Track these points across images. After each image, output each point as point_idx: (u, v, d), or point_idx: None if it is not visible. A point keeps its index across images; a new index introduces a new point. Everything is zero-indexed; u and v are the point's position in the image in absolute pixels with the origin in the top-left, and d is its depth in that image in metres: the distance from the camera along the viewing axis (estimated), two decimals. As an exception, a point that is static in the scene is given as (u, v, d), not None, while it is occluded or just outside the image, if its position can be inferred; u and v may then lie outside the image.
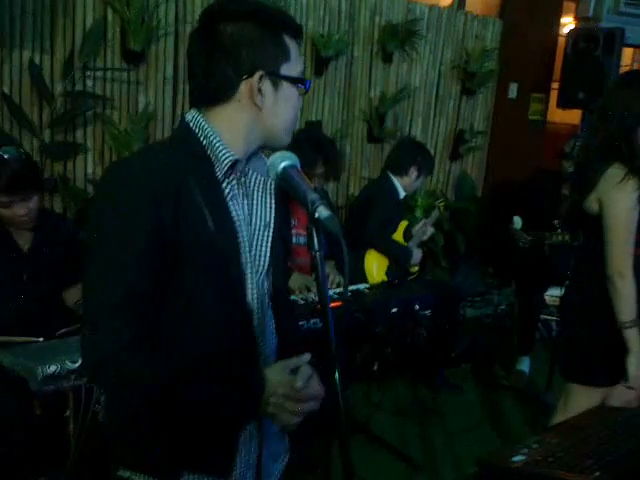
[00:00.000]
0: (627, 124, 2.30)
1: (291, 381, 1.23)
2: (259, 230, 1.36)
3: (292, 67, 1.31)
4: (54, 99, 3.87)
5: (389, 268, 3.71)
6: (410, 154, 3.74)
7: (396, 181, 3.72)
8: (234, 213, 1.30)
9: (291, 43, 1.31)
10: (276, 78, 1.29)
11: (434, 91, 5.63)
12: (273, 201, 1.38)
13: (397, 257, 3.78)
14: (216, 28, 1.27)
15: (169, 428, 1.28)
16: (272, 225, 1.37)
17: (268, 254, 1.36)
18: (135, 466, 1.34)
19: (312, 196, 1.17)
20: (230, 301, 1.29)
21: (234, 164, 1.29)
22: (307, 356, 1.27)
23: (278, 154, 1.26)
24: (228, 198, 1.29)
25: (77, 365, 2.10)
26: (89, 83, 4.04)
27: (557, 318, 4.27)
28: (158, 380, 1.21)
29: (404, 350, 3.86)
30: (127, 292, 1.18)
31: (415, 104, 5.54)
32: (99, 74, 4.06)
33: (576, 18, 5.99)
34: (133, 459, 1.35)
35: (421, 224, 3.93)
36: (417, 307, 3.23)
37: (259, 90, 1.27)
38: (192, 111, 1.33)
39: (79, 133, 4.07)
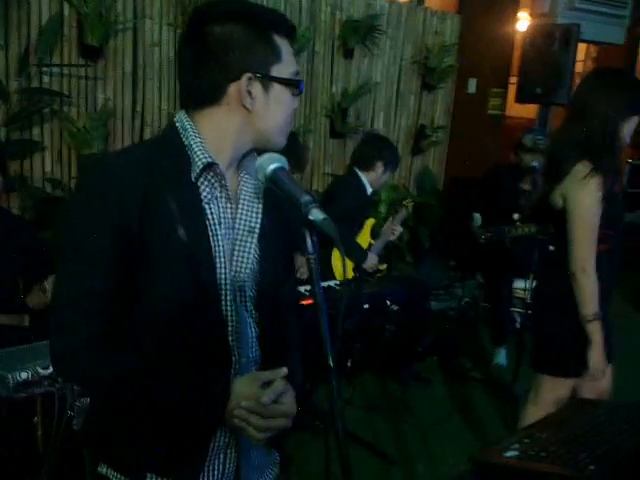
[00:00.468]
0: (611, 124, 2.33)
1: (258, 395, 1.19)
2: (242, 235, 1.31)
3: (284, 68, 1.27)
4: (9, 96, 3.76)
5: (356, 265, 3.70)
6: (376, 149, 3.74)
7: (363, 177, 3.72)
8: (210, 216, 1.26)
9: (282, 43, 1.27)
10: (266, 80, 1.25)
11: (395, 86, 5.67)
12: (261, 206, 1.34)
13: (351, 257, 3.73)
14: (204, 30, 1.24)
15: (134, 427, 1.27)
16: (258, 230, 1.33)
17: (251, 260, 1.32)
18: (109, 462, 1.33)
19: (305, 198, 1.15)
20: (200, 305, 1.25)
21: (209, 166, 1.25)
22: (283, 370, 1.23)
23: (266, 156, 1.24)
24: (205, 201, 1.26)
25: (49, 371, 2.04)
26: (46, 80, 3.93)
27: (521, 310, 4.34)
28: (118, 379, 1.22)
29: (373, 346, 3.86)
30: (87, 291, 1.20)
31: (377, 99, 5.56)
32: (56, 70, 3.96)
33: (532, 14, 6.09)
34: (106, 454, 1.34)
35: (389, 223, 3.93)
36: (388, 302, 3.23)
37: (248, 93, 1.24)
38: (181, 112, 1.30)
39: (36, 131, 3.97)
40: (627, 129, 2.37)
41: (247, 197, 1.33)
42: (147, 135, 4.45)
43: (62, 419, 2.08)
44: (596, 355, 2.38)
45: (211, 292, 1.26)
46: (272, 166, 1.22)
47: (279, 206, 1.35)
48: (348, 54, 5.27)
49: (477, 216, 4.39)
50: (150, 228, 1.19)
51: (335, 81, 5.26)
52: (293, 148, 3.38)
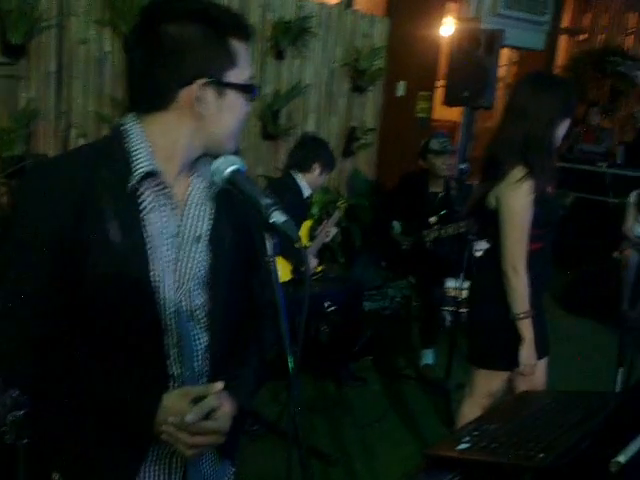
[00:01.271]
0: (546, 126, 2.40)
1: (185, 411, 1.17)
2: (186, 243, 1.27)
3: (239, 73, 1.22)
4: None
5: (294, 268, 3.69)
6: (312, 150, 3.75)
7: (299, 179, 3.72)
8: (149, 227, 1.21)
9: (239, 46, 1.22)
10: (220, 86, 1.21)
11: (326, 88, 5.70)
12: (213, 211, 1.30)
13: (290, 259, 3.72)
14: (156, 29, 1.17)
15: (68, 433, 1.26)
16: (204, 239, 1.29)
17: (198, 267, 1.28)
18: (60, 470, 1.32)
19: (266, 201, 1.14)
20: (136, 320, 1.22)
21: (149, 175, 1.21)
22: (217, 385, 1.22)
23: (222, 159, 1.22)
24: (145, 211, 1.21)
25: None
26: (-36, 77, 3.76)
27: (453, 308, 4.45)
28: (51, 384, 1.22)
29: (309, 347, 3.87)
30: (24, 298, 1.18)
31: (308, 101, 5.59)
32: (-25, 68, 3.79)
33: (458, 19, 6.27)
34: (55, 462, 1.33)
35: (323, 225, 3.95)
36: (326, 304, 3.24)
37: (201, 99, 1.20)
38: (129, 115, 1.25)
39: (-45, 131, 3.78)
40: (560, 132, 2.46)
41: (195, 202, 1.29)
42: (73, 136, 4.32)
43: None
44: (526, 351, 2.47)
45: (148, 306, 1.22)
46: (230, 168, 1.20)
47: (233, 208, 1.32)
48: (279, 55, 5.27)
49: (396, 224, 4.51)
50: (84, 240, 1.16)
51: (266, 82, 5.24)
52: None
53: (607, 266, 5.81)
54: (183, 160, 1.26)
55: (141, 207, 1.21)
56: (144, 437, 1.24)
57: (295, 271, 3.58)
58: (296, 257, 3.57)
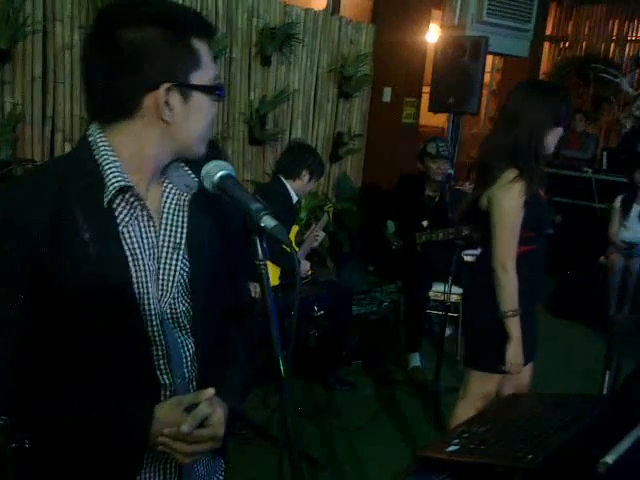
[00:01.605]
0: (536, 133, 2.44)
1: (179, 421, 1.17)
2: (166, 252, 1.26)
3: (204, 74, 1.19)
4: None
5: (282, 272, 3.69)
6: (302, 157, 3.76)
7: (288, 185, 3.72)
8: (129, 240, 1.20)
9: (201, 46, 1.19)
10: (185, 89, 1.17)
11: (312, 94, 5.72)
12: (185, 219, 1.27)
13: (283, 265, 3.72)
14: (115, 35, 1.13)
15: (63, 452, 1.23)
16: (183, 246, 1.27)
17: (179, 275, 1.27)
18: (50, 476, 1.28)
19: (256, 205, 1.14)
20: (122, 333, 1.20)
21: (123, 190, 1.18)
22: (208, 392, 1.21)
23: (213, 163, 1.20)
24: (122, 224, 1.19)
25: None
26: (-52, 82, 3.73)
27: (440, 312, 4.47)
28: (36, 408, 1.20)
29: (297, 351, 3.86)
30: (2, 322, 1.15)
31: (295, 107, 5.59)
32: (-40, 73, 3.76)
33: (443, 26, 6.30)
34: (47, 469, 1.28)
35: (311, 230, 3.96)
36: (316, 308, 3.25)
37: (166, 104, 1.16)
38: (93, 126, 1.21)
39: (-62, 137, 3.74)
40: (551, 139, 2.50)
41: (171, 211, 1.27)
42: (59, 141, 4.30)
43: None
44: (513, 350, 2.49)
45: (134, 319, 1.21)
46: (220, 174, 1.19)
47: (211, 213, 1.31)
48: (265, 61, 5.27)
49: (390, 223, 4.52)
50: (61, 257, 1.13)
51: (253, 88, 5.25)
52: (212, 156, 3.39)
53: (593, 271, 5.86)
54: (153, 169, 1.23)
55: (118, 220, 1.19)
56: (138, 451, 1.23)
57: (284, 276, 3.58)
58: (285, 262, 3.57)
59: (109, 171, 1.17)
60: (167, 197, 1.27)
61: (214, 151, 3.44)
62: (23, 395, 1.19)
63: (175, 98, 1.17)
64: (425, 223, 4.45)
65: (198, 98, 1.20)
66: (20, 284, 1.14)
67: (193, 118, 1.20)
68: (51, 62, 4.19)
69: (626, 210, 5.80)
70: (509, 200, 2.45)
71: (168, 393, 1.27)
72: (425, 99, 6.09)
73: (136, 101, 1.16)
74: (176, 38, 1.15)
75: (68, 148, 4.27)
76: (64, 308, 1.16)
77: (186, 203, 1.28)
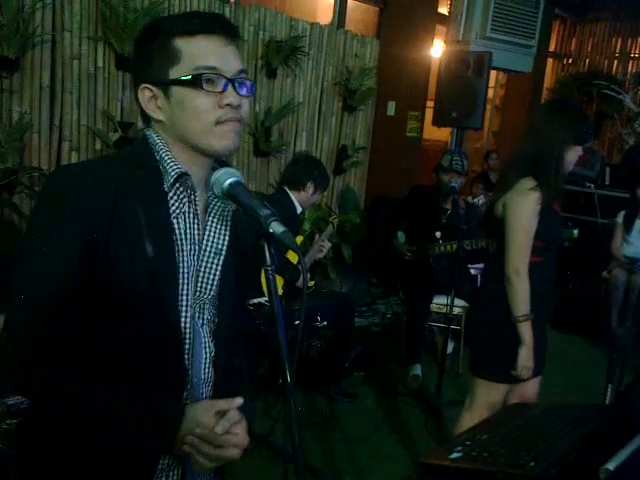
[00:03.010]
0: (556, 150, 2.50)
1: (212, 424, 1.17)
2: (209, 255, 1.31)
3: (183, 67, 1.22)
4: None
5: (285, 283, 3.71)
6: (307, 170, 3.78)
7: (293, 196, 3.75)
8: (177, 231, 1.25)
9: (185, 43, 1.22)
10: (164, 86, 1.23)
11: (317, 107, 5.75)
12: (228, 230, 1.33)
13: (284, 274, 3.73)
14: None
15: (81, 448, 1.23)
16: (224, 253, 1.32)
17: (216, 281, 1.31)
18: None
19: (265, 212, 1.16)
20: (160, 322, 1.23)
21: (180, 177, 1.24)
22: (238, 400, 1.22)
23: (222, 171, 1.23)
24: (174, 215, 1.24)
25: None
26: (-42, 91, 3.76)
27: (442, 325, 4.48)
28: (71, 397, 1.18)
29: (299, 361, 3.86)
30: (49, 296, 1.16)
31: (299, 119, 5.63)
32: (-31, 81, 3.80)
33: (447, 41, 6.36)
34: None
35: (315, 240, 3.97)
36: (319, 318, 3.26)
37: (151, 102, 1.25)
38: (150, 128, 1.31)
39: (-53, 144, 3.77)
40: (571, 157, 2.56)
41: (216, 218, 1.32)
42: (65, 150, 4.33)
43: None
44: (525, 354, 2.52)
45: (172, 309, 1.24)
46: (229, 180, 1.21)
47: (238, 227, 1.35)
48: (271, 74, 5.31)
49: (401, 234, 4.53)
50: (117, 239, 1.17)
51: (258, 100, 5.29)
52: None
53: (595, 285, 5.87)
54: (190, 166, 1.27)
55: (170, 210, 1.25)
56: (163, 449, 1.24)
57: (288, 286, 3.59)
58: (289, 272, 3.59)
59: (169, 160, 1.24)
60: (213, 205, 1.33)
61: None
62: (52, 371, 1.18)
63: (160, 96, 1.24)
64: (438, 234, 4.46)
65: (178, 92, 1.22)
66: (71, 259, 1.16)
67: (179, 112, 1.23)
68: (59, 72, 4.22)
69: (628, 225, 5.82)
70: (525, 206, 2.50)
71: (186, 393, 1.29)
72: (429, 113, 6.14)
73: (140, 105, 1.26)
74: (157, 41, 1.23)
75: (74, 157, 4.31)
76: (111, 290, 1.18)
77: (230, 213, 1.33)
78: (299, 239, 3.99)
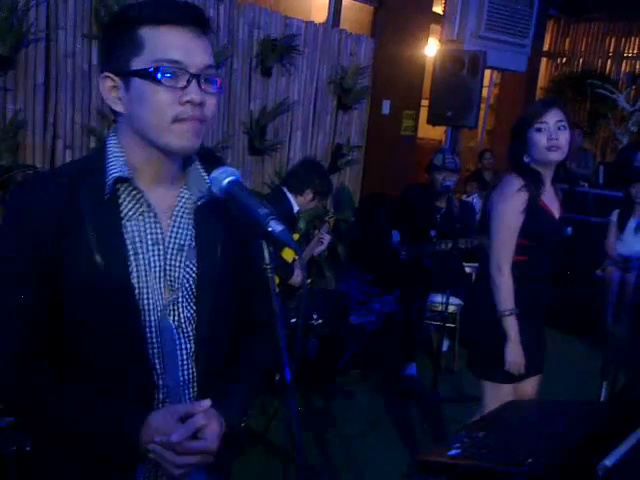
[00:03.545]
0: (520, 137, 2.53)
1: (171, 430, 1.15)
2: (172, 252, 1.27)
3: (146, 58, 1.16)
4: None
5: (281, 280, 3.71)
6: (309, 176, 3.75)
7: (291, 197, 3.75)
8: (132, 234, 1.22)
9: (149, 32, 1.16)
10: (124, 77, 1.18)
11: (312, 105, 5.75)
12: (192, 222, 1.29)
13: (277, 273, 3.72)
14: None
15: (55, 452, 1.25)
16: (187, 248, 1.28)
17: (188, 278, 1.28)
18: None
19: (263, 210, 1.15)
20: (118, 328, 1.21)
21: (124, 181, 1.21)
22: (205, 403, 1.20)
23: (221, 169, 1.22)
24: (126, 218, 1.22)
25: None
26: (-49, 88, 3.74)
27: (438, 323, 4.48)
28: (39, 404, 1.21)
29: (297, 359, 3.86)
30: (11, 311, 1.19)
31: (294, 117, 5.62)
32: (-37, 79, 3.78)
33: (441, 40, 6.36)
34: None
35: (315, 234, 3.97)
36: (315, 316, 3.26)
37: (112, 94, 1.21)
38: (112, 129, 1.29)
39: (-60, 142, 3.75)
40: (534, 139, 2.53)
41: (180, 213, 1.29)
42: (59, 148, 4.31)
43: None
44: (511, 349, 2.53)
45: (131, 315, 1.22)
46: (228, 179, 1.20)
47: (225, 221, 1.31)
48: (266, 72, 5.30)
49: (396, 234, 4.53)
50: (69, 254, 1.17)
51: (253, 98, 5.28)
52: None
53: (590, 283, 5.89)
54: (148, 165, 1.24)
55: (121, 214, 1.22)
56: (130, 457, 1.22)
57: (282, 285, 3.59)
58: (284, 271, 3.59)
59: (110, 165, 1.21)
60: (180, 200, 1.30)
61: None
62: (20, 383, 1.21)
63: (121, 87, 1.20)
64: (433, 233, 4.46)
65: (137, 84, 1.17)
66: (26, 275, 1.19)
67: (137, 105, 1.18)
68: (53, 70, 4.20)
69: (622, 224, 5.84)
70: (509, 204, 2.51)
71: (161, 395, 1.27)
72: (424, 112, 6.15)
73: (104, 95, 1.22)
74: (121, 32, 1.18)
75: (69, 155, 4.29)
76: (63, 299, 1.19)
77: (198, 208, 1.29)
78: (295, 237, 3.98)
